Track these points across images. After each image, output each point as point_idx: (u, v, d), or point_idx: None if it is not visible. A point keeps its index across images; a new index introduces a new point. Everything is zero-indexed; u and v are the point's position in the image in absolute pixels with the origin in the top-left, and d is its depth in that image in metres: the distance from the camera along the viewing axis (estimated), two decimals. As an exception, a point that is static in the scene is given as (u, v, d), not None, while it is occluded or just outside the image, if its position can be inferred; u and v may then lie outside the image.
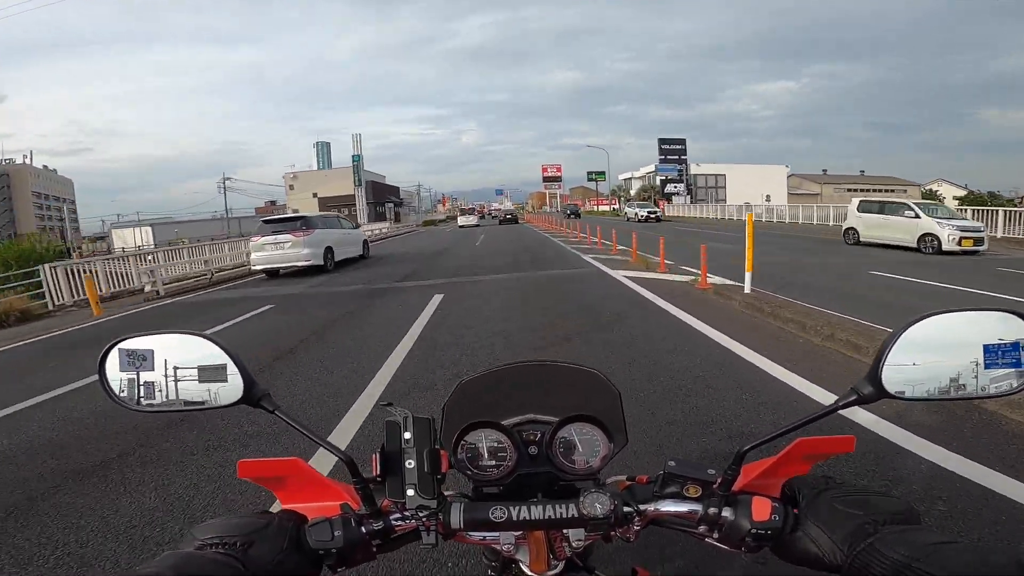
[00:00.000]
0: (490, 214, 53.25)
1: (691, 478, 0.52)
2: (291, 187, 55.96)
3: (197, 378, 0.55)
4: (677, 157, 48.65)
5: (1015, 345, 0.51)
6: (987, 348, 0.51)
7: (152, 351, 0.55)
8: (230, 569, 0.43)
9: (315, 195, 48.82)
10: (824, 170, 63.44)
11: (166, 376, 0.55)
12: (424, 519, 0.51)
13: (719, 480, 0.52)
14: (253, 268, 10.47)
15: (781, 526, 0.48)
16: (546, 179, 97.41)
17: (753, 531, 0.49)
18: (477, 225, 35.25)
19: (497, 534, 0.55)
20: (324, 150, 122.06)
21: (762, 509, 0.50)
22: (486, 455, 0.59)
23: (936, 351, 0.51)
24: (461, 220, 35.97)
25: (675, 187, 46.79)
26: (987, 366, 0.52)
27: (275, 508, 0.55)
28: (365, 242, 13.51)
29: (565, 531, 0.55)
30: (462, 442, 0.59)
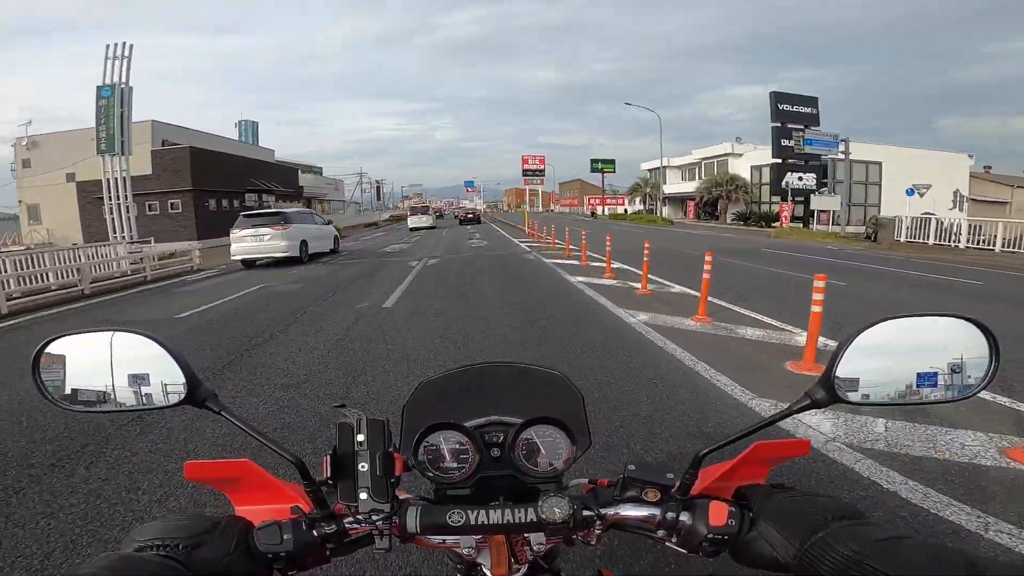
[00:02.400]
0: (454, 214, 49.30)
1: (650, 482, 0.57)
2: (25, 163, 28.21)
3: (137, 377, 0.56)
4: (802, 128, 26.49)
5: (966, 350, 0.54)
6: (939, 353, 0.55)
7: (90, 349, 0.57)
8: (171, 571, 0.45)
9: (72, 178, 25.16)
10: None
11: (104, 375, 0.57)
12: (378, 523, 0.54)
13: (677, 484, 0.56)
14: (232, 258, 12.15)
15: (737, 530, 0.52)
16: (527, 172, 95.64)
17: (710, 536, 0.53)
18: (432, 227, 31.66)
19: (457, 538, 0.58)
20: (250, 131, 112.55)
21: (719, 514, 0.54)
22: (448, 457, 0.63)
23: (888, 356, 0.55)
24: (412, 221, 31.72)
25: (802, 178, 27.06)
26: (938, 371, 0.55)
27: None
28: (336, 238, 15.04)
29: (527, 535, 0.59)
30: (423, 443, 0.63)
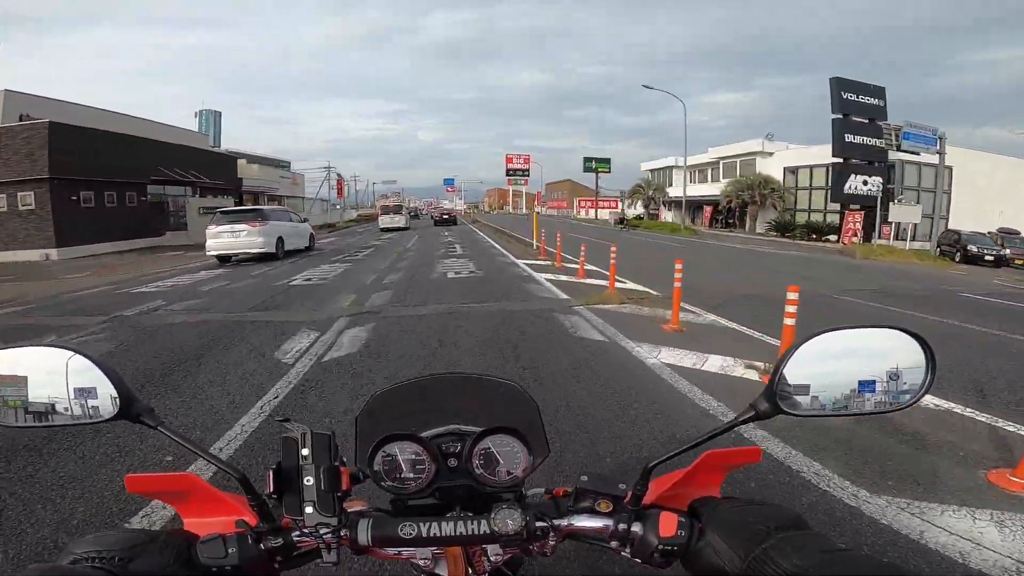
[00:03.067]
0: (431, 214, 46.95)
1: (602, 493, 0.58)
2: None
3: (66, 394, 0.57)
4: (867, 123, 22.45)
5: (904, 361, 0.57)
6: (878, 364, 0.58)
7: (14, 365, 0.57)
8: None
9: None
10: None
11: (33, 392, 0.57)
12: (325, 536, 0.54)
13: (628, 495, 0.57)
14: (208, 253, 12.44)
15: (686, 541, 0.54)
16: (511, 171, 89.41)
17: (660, 546, 0.55)
18: (405, 228, 30.19)
19: (412, 549, 0.59)
20: (212, 121, 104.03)
21: (669, 524, 0.55)
22: (404, 467, 0.64)
23: (829, 368, 0.58)
24: (384, 221, 30.15)
25: (867, 182, 22.80)
26: (878, 381, 0.58)
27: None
28: (312, 235, 16.00)
29: (483, 546, 0.59)
30: (380, 453, 0.63)
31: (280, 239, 13.50)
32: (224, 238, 12.73)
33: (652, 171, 45.39)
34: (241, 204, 22.24)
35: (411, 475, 0.64)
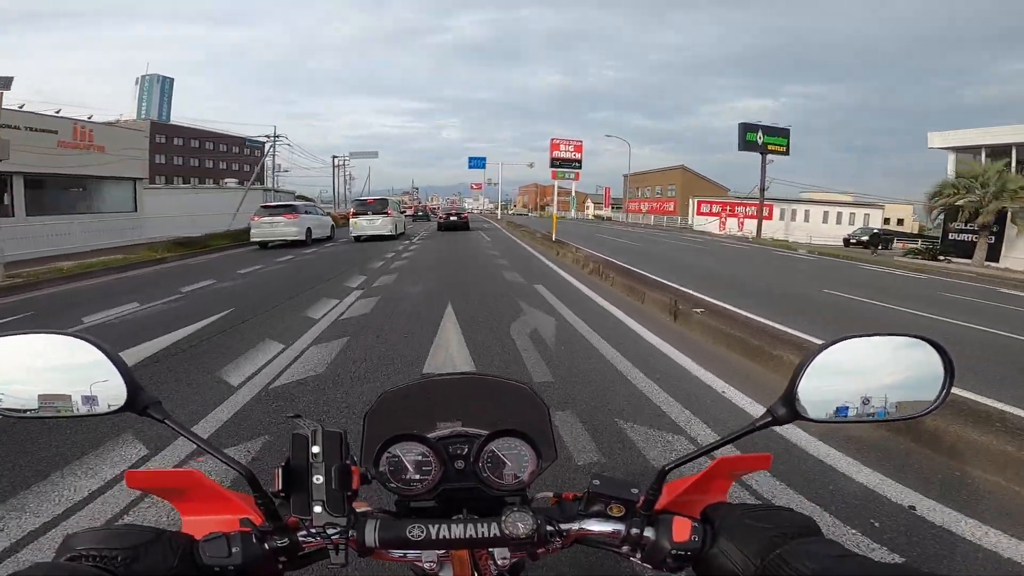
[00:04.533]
0: (450, 214, 32.53)
1: (614, 497, 0.64)
2: None
3: (75, 382, 0.62)
4: None
5: (923, 369, 0.64)
6: (897, 372, 0.64)
7: (23, 353, 0.63)
8: None
9: None
10: None
11: (38, 380, 0.63)
12: (333, 537, 0.60)
13: (641, 500, 0.64)
14: (252, 240, 18.56)
15: (700, 546, 0.61)
16: (557, 162, 66.07)
17: (673, 551, 0.61)
18: (394, 236, 22.15)
19: (418, 552, 0.66)
20: (157, 91, 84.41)
21: (682, 529, 0.61)
22: (411, 468, 0.71)
23: (848, 374, 0.64)
24: (357, 226, 21.79)
25: None
26: (896, 389, 0.64)
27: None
28: (332, 227, 22.42)
29: (490, 549, 0.67)
30: (385, 453, 0.71)
31: (309, 229, 19.00)
32: (265, 227, 18.22)
33: (960, 150, 22.87)
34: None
35: (417, 476, 0.71)
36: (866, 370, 0.64)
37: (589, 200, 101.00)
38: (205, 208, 25.89)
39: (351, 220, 22.20)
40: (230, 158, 76.42)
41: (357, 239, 21.33)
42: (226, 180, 51.35)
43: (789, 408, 0.63)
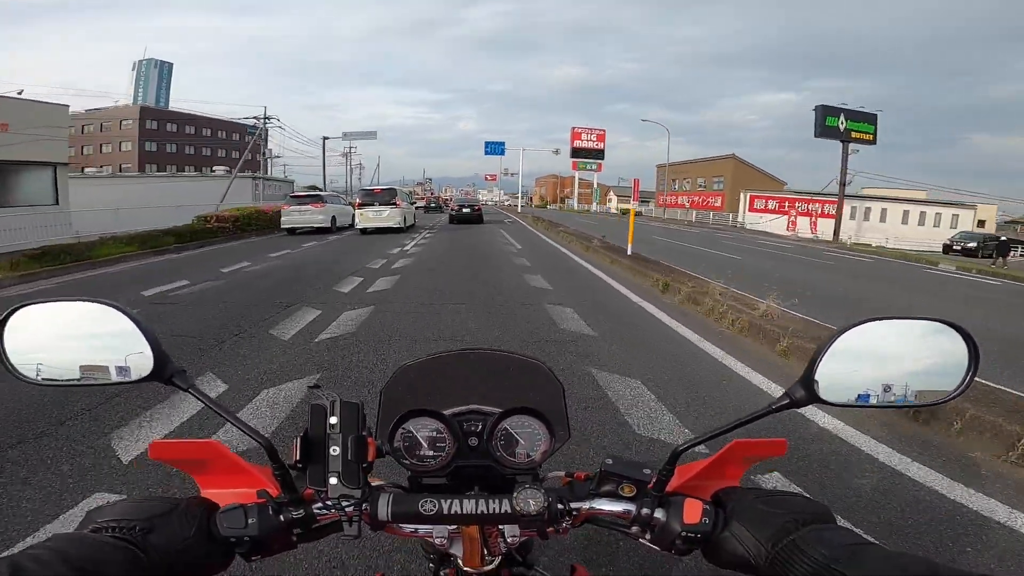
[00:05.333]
0: (463, 205, 30.62)
1: (627, 477, 0.66)
2: None
3: (103, 351, 0.64)
4: None
5: (947, 355, 0.63)
6: (920, 357, 0.64)
7: (56, 320, 0.66)
8: (125, 554, 0.52)
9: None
10: None
11: (69, 347, 0.65)
12: (347, 509, 0.62)
13: (653, 480, 0.66)
14: (282, 226, 21.01)
15: (711, 529, 0.62)
16: (578, 152, 60.79)
17: (683, 533, 0.62)
18: (401, 229, 21.57)
19: (429, 527, 0.70)
20: (155, 76, 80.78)
21: (693, 511, 0.62)
22: (424, 444, 0.73)
23: (869, 358, 0.63)
24: (363, 218, 21.09)
25: None
26: (918, 375, 0.64)
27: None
28: (354, 215, 22.86)
29: (500, 526, 0.71)
30: (400, 429, 0.73)
31: (334, 217, 21.27)
32: (295, 215, 20.54)
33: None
34: None
35: (431, 453, 0.72)
36: (887, 354, 0.64)
37: (612, 192, 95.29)
38: (173, 199, 23.60)
39: (356, 211, 21.72)
40: (228, 145, 72.46)
41: (363, 232, 21.07)
42: (214, 168, 46.54)
43: (808, 391, 0.62)
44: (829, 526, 0.57)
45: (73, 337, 0.65)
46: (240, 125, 64.21)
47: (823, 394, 0.62)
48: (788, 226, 36.13)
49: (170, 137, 68.78)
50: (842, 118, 31.63)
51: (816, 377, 0.62)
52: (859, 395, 0.63)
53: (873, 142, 33.00)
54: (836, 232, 31.08)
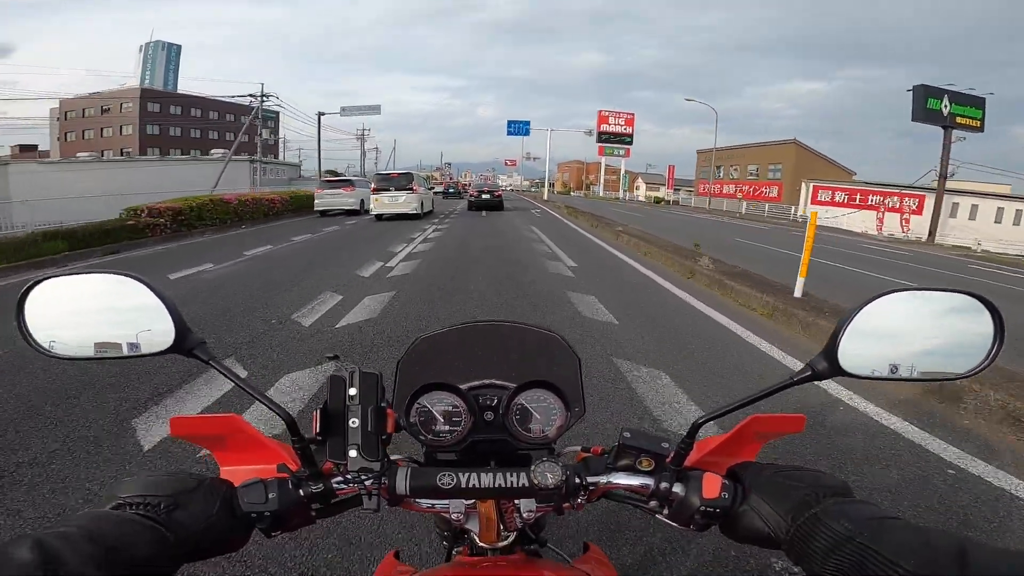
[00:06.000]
0: (482, 191, 28.58)
1: (645, 450, 0.65)
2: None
3: (124, 323, 0.64)
4: None
5: (972, 328, 0.62)
6: (944, 329, 0.63)
7: (77, 293, 0.65)
8: (150, 532, 0.51)
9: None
10: None
11: (90, 320, 0.64)
12: (367, 483, 0.62)
13: (672, 454, 0.65)
14: (315, 208, 22.14)
15: (729, 503, 0.61)
16: (605, 137, 55.66)
17: (702, 508, 0.62)
18: (418, 215, 20.76)
19: (446, 502, 0.69)
20: (162, 59, 78.15)
21: (712, 486, 0.61)
22: (440, 419, 0.73)
23: (893, 330, 0.62)
24: (379, 203, 20.31)
25: None
26: (943, 347, 0.63)
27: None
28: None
29: (516, 501, 0.70)
30: (416, 403, 0.73)
31: (363, 200, 22.37)
32: (327, 198, 22.19)
33: None
34: None
35: (447, 427, 0.73)
36: (912, 326, 0.62)
37: (640, 179, 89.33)
38: (159, 185, 21.73)
39: (372, 197, 20.66)
40: (236, 128, 65.05)
41: (378, 218, 20.34)
42: (211, 151, 42.57)
43: (831, 363, 0.61)
44: (850, 499, 0.56)
45: (94, 310, 0.63)
46: (248, 108, 61.12)
47: (846, 366, 0.60)
48: (877, 226, 30.07)
49: (173, 120, 65.44)
50: (946, 100, 26.36)
51: (839, 349, 0.60)
52: (883, 367, 0.62)
53: (980, 129, 27.39)
54: (932, 232, 26.23)
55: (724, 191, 49.81)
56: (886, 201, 31.02)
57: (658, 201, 60.18)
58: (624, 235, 13.63)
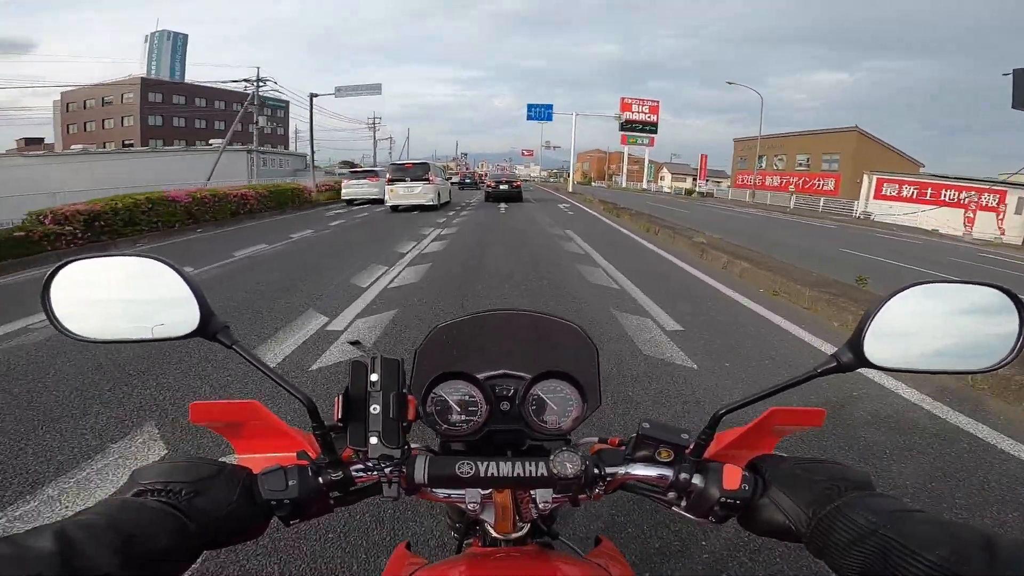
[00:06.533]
0: (499, 181, 27.26)
1: (664, 441, 0.64)
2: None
3: (150, 306, 0.63)
4: None
5: (998, 321, 0.61)
6: (969, 322, 0.62)
7: (103, 276, 0.64)
8: (171, 520, 0.51)
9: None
10: None
11: (116, 303, 0.64)
12: (386, 471, 0.62)
13: (692, 445, 0.64)
14: (343, 198, 23.49)
15: (750, 495, 0.60)
16: (628, 125, 52.03)
17: (722, 500, 0.61)
18: (434, 207, 20.09)
19: (462, 492, 0.69)
20: (169, 48, 75.63)
21: (732, 477, 0.60)
22: (456, 408, 0.72)
23: (919, 322, 0.62)
24: (393, 194, 20.02)
25: None
26: (968, 340, 0.63)
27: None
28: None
29: (532, 492, 0.69)
30: (432, 392, 0.73)
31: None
32: (353, 188, 23.08)
33: None
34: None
35: (463, 417, 0.72)
36: (937, 318, 0.62)
37: (665, 169, 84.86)
38: (144, 177, 21.62)
39: (387, 187, 20.02)
40: (244, 119, 61.76)
41: (394, 209, 19.80)
42: (211, 141, 39.62)
43: (856, 354, 0.59)
44: (872, 492, 0.55)
45: (120, 293, 0.63)
46: (258, 96, 58.56)
47: (871, 358, 0.59)
48: (967, 226, 25.16)
49: (176, 110, 62.32)
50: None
51: (864, 341, 0.59)
52: (909, 359, 0.62)
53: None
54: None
55: (767, 183, 44.45)
56: (980, 198, 25.63)
57: (689, 193, 55.31)
58: (712, 251, 8.95)
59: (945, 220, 26.98)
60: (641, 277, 7.51)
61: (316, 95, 25.90)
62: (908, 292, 0.60)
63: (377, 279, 7.01)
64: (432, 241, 11.09)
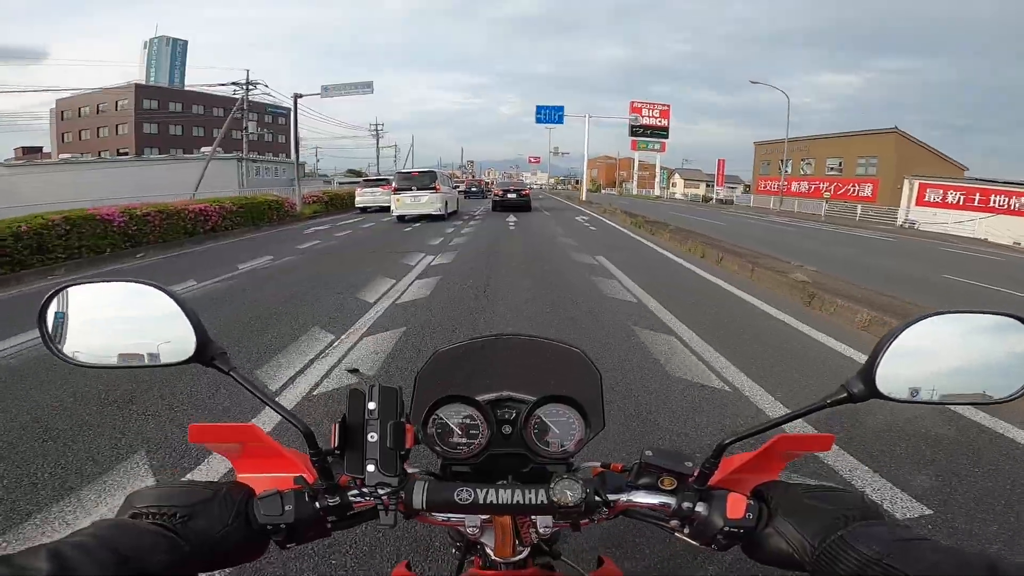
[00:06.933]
0: (507, 190, 26.97)
1: (667, 469, 0.64)
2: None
3: (146, 332, 0.64)
4: None
5: (1014, 351, 0.61)
6: (986, 352, 0.62)
7: (99, 301, 0.65)
8: (166, 542, 0.51)
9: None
10: None
11: (112, 328, 0.65)
12: (383, 497, 0.61)
13: (695, 473, 0.64)
14: (357, 206, 25.72)
15: (754, 525, 0.60)
16: (639, 130, 50.80)
17: (726, 528, 0.61)
18: (442, 216, 19.89)
19: (462, 516, 0.69)
20: (167, 55, 73.42)
21: (737, 506, 0.61)
22: (457, 431, 0.72)
23: (933, 353, 0.61)
24: (400, 204, 19.37)
25: None
26: (983, 370, 0.62)
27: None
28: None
29: (533, 517, 0.70)
30: (433, 416, 0.73)
31: None
32: (367, 196, 24.91)
33: None
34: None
35: (464, 440, 0.72)
36: (952, 348, 0.61)
37: (677, 175, 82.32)
38: (127, 189, 19.87)
39: (393, 196, 19.83)
40: (242, 124, 60.30)
41: (400, 219, 19.47)
42: (202, 149, 37.57)
43: (867, 385, 0.58)
44: (879, 522, 0.54)
45: (116, 318, 0.63)
46: (257, 104, 56.32)
47: (883, 389, 0.58)
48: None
49: (172, 118, 60.33)
50: None
51: (877, 371, 0.58)
52: (922, 391, 0.60)
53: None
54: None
55: (793, 188, 40.91)
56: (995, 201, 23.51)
57: (706, 200, 53.26)
58: (826, 296, 5.85)
59: (997, 228, 23.92)
60: (757, 364, 4.20)
61: (301, 95, 22.34)
62: (922, 323, 0.59)
63: (292, 381, 3.97)
64: (416, 279, 7.62)
